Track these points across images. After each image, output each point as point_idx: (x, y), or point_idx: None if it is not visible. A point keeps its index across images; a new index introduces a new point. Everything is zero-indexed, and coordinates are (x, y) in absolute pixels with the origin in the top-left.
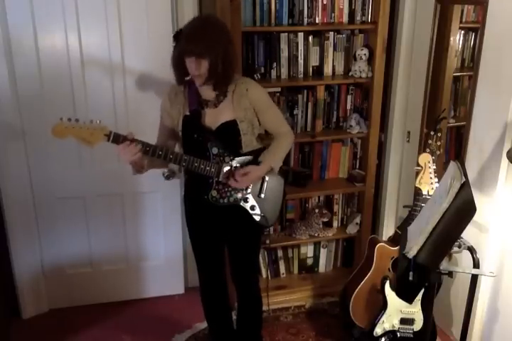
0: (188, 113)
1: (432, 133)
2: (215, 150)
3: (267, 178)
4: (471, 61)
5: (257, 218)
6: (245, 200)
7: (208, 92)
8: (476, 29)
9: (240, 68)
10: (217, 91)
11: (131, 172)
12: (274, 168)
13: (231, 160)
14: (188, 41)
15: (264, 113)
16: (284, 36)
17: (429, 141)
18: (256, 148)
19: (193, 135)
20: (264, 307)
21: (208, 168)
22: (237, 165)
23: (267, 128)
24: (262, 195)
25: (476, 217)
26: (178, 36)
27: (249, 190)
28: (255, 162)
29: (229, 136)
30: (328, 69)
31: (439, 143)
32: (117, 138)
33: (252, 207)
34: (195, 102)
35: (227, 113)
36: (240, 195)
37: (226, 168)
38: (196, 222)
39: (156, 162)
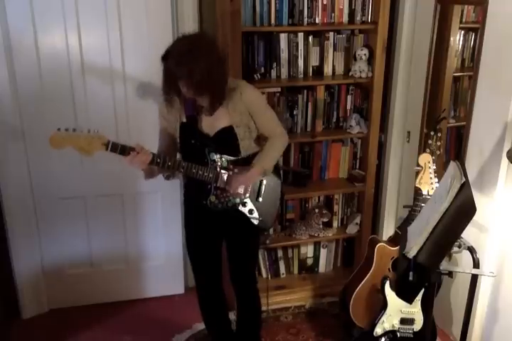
0: (184, 119)
1: (432, 133)
2: (212, 156)
3: (264, 182)
4: (471, 61)
5: (255, 222)
6: (243, 205)
7: (208, 107)
8: (476, 29)
9: (240, 68)
10: (217, 106)
11: (132, 172)
12: (267, 170)
13: (227, 164)
14: (178, 65)
15: (259, 116)
16: (284, 36)
17: (429, 141)
18: (255, 150)
19: (190, 141)
20: (264, 308)
21: (206, 174)
22: (235, 169)
23: (261, 130)
24: (260, 199)
25: (476, 217)
26: (166, 57)
27: (247, 195)
28: (249, 163)
29: (227, 142)
30: (328, 69)
31: (439, 143)
32: (115, 147)
33: (251, 211)
34: (191, 108)
35: (223, 119)
36: (238, 200)
37: (223, 173)
38: (195, 225)
39: (160, 168)
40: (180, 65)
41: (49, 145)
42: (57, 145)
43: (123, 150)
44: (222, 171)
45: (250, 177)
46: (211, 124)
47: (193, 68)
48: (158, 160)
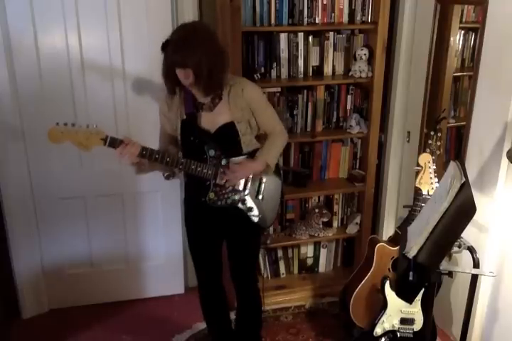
0: (184, 117)
1: (432, 133)
2: (211, 153)
3: (264, 179)
4: (471, 61)
5: (255, 219)
6: (243, 202)
7: (202, 95)
8: (476, 29)
9: (240, 68)
10: (211, 95)
11: (132, 172)
12: (270, 164)
13: (227, 162)
14: (174, 52)
15: (260, 113)
16: (284, 36)
17: (429, 141)
18: (256, 147)
19: (190, 138)
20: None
21: (204, 171)
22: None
23: (262, 128)
24: (260, 197)
25: (476, 217)
26: (165, 46)
27: (246, 192)
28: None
29: (228, 138)
30: (328, 69)
31: (439, 143)
32: (114, 142)
33: (250, 209)
34: (191, 105)
35: (225, 115)
36: (237, 197)
37: (222, 170)
38: (195, 224)
39: (157, 165)
40: (177, 51)
41: (47, 139)
42: (55, 139)
43: (119, 144)
44: (221, 168)
45: (251, 167)
46: (212, 121)
47: (189, 54)
48: (144, 152)
